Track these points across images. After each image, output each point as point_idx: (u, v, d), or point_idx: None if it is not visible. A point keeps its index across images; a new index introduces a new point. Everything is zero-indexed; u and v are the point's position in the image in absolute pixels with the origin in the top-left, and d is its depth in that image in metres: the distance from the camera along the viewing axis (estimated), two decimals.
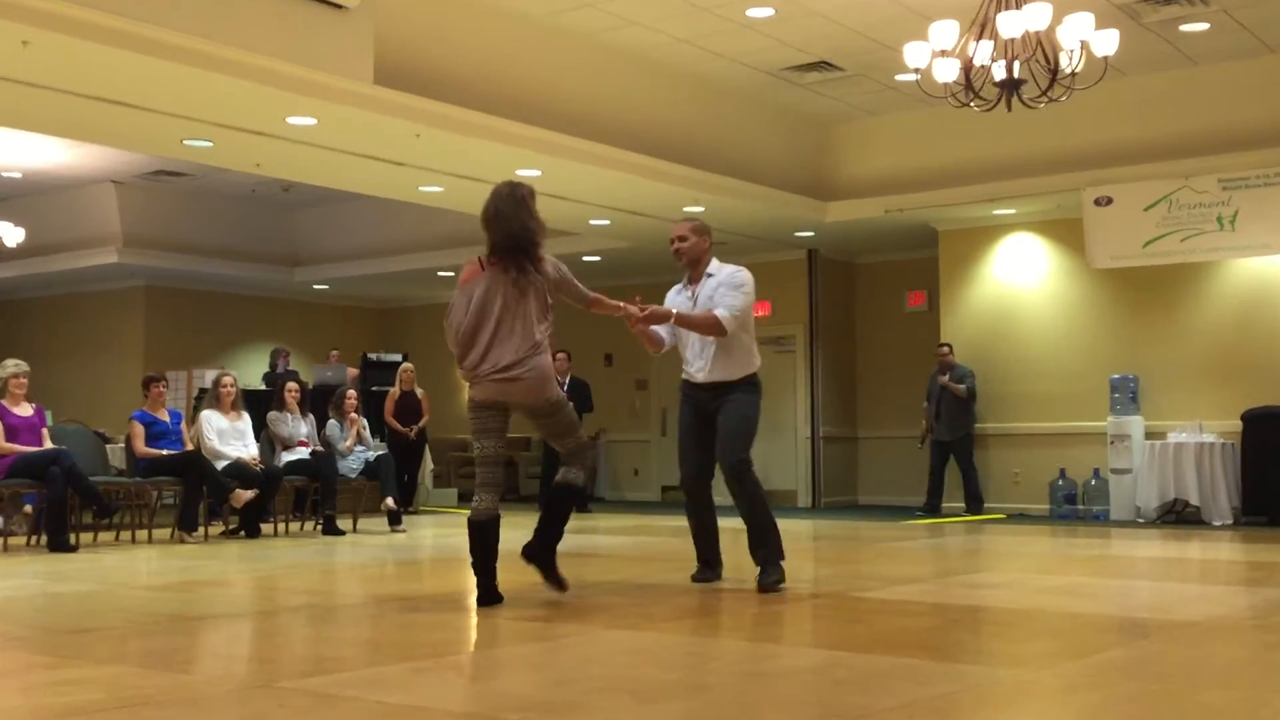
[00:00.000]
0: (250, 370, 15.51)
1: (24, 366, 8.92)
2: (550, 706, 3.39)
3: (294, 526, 10.38)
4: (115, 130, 9.60)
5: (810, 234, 13.50)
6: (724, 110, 11.81)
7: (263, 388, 13.15)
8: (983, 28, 7.66)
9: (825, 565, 7.80)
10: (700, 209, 12.00)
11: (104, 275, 16.17)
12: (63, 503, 8.41)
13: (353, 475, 10.56)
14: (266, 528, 10.00)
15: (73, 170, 14.29)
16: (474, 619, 5.26)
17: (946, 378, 12.36)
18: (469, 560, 5.44)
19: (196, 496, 9.25)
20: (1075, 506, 11.91)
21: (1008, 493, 12.58)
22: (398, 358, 14.28)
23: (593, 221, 12.82)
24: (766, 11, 9.70)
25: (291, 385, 10.51)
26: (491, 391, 5.42)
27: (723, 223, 12.69)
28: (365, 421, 11.02)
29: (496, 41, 9.83)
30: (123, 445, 9.93)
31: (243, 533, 9.65)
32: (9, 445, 8.57)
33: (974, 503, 12.29)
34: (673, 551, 8.54)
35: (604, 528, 10.69)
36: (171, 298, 16.68)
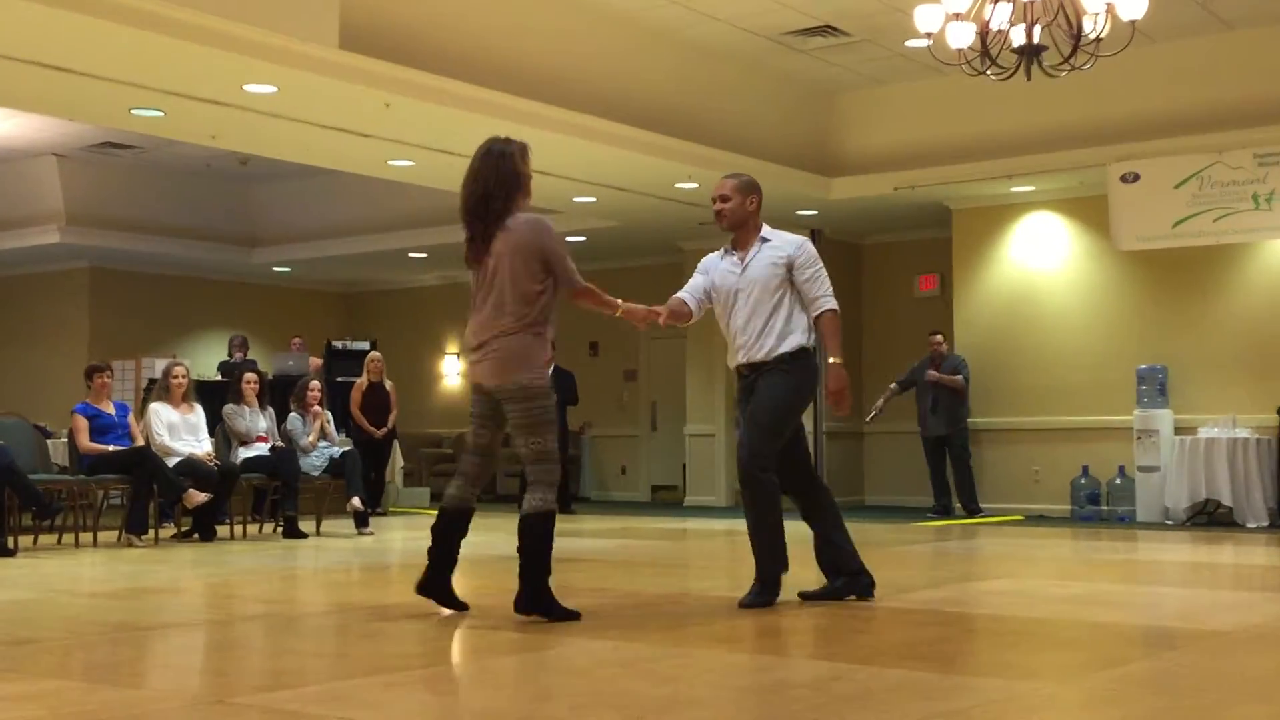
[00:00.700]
0: (204, 360, 15.48)
1: None
2: None
3: (252, 529, 10.36)
4: (57, 99, 9.55)
5: (813, 213, 13.50)
6: (720, 78, 11.79)
7: (218, 378, 13.14)
8: None
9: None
10: (693, 185, 12.00)
11: (45, 256, 16.11)
12: (0, 503, 8.38)
13: (316, 473, 10.55)
14: (222, 530, 9.98)
15: (10, 142, 14.22)
16: (447, 629, 5.26)
17: (938, 371, 12.37)
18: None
19: (146, 496, 9.23)
20: (1099, 507, 11.94)
21: (1026, 492, 12.61)
22: (365, 346, 14.25)
23: (577, 199, 12.81)
24: None
25: (249, 376, 10.48)
26: (470, 373, 5.37)
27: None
28: (330, 415, 11.00)
29: (473, 3, 9.80)
30: (65, 440, 9.90)
31: (196, 535, 9.63)
32: None
33: (970, 503, 12.32)
34: (663, 556, 8.55)
35: (589, 530, 10.70)
36: (118, 280, 16.63)
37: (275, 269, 17.48)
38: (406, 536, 10.53)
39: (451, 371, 18.37)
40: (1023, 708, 3.65)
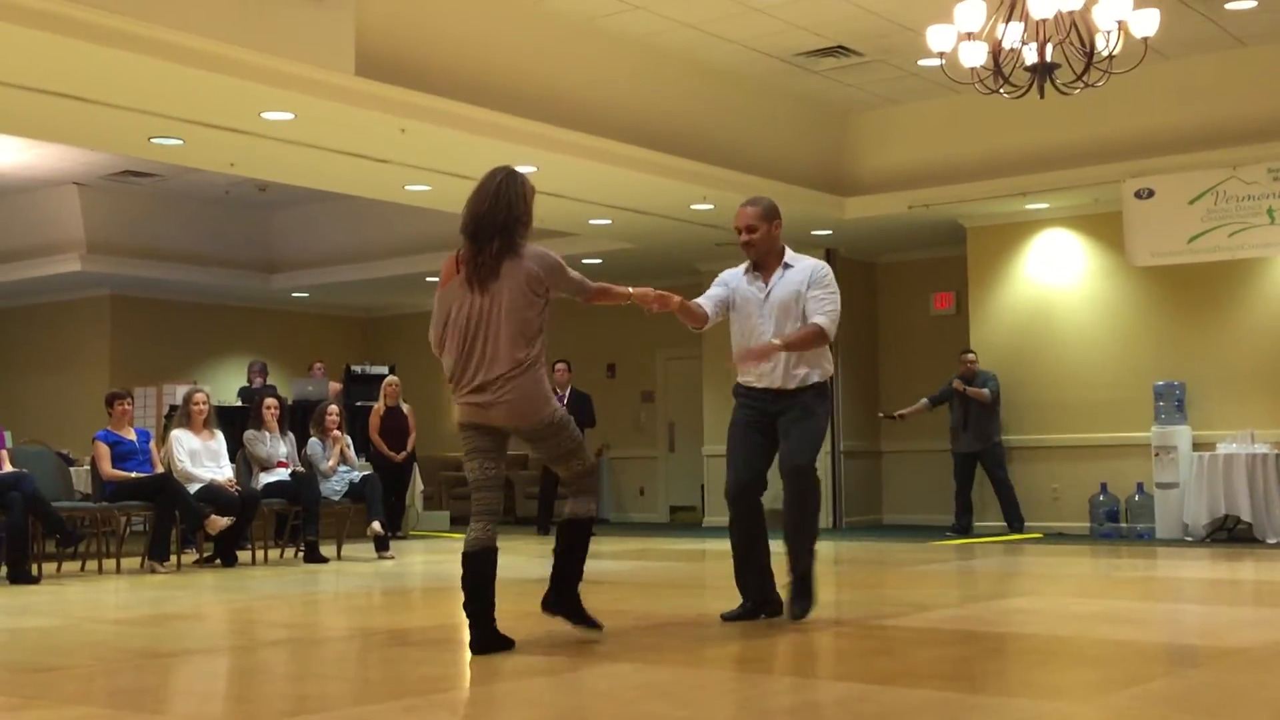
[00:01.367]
0: (224, 386, 15.52)
1: None
2: None
3: (273, 554, 10.37)
4: (78, 128, 9.62)
5: (828, 232, 13.50)
6: (733, 100, 11.81)
7: (238, 404, 13.16)
8: (1012, 8, 7.66)
9: (848, 590, 7.78)
10: (709, 206, 12.01)
11: (66, 284, 16.18)
12: (24, 531, 8.40)
13: (336, 498, 10.55)
14: (244, 555, 9.99)
15: (32, 171, 14.31)
16: (468, 653, 5.25)
17: (956, 383, 12.34)
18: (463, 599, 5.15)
19: (168, 523, 9.25)
20: (1118, 524, 11.88)
21: (1045, 510, 12.55)
22: (384, 370, 14.28)
23: (593, 221, 12.83)
24: None
25: (270, 401, 10.50)
26: (469, 414, 5.19)
27: (733, 221, 12.68)
28: (349, 439, 11.01)
29: (487, 29, 9.84)
30: (88, 468, 9.94)
31: (218, 561, 9.65)
32: None
33: (1015, 520, 12.26)
34: (682, 578, 8.54)
35: (608, 552, 10.68)
36: (139, 308, 16.70)
37: (294, 294, 17.53)
38: (427, 560, 10.54)
39: None
40: None
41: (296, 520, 10.28)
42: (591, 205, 12.06)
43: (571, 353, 14.23)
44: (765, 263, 5.81)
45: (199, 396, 9.97)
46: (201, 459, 9.71)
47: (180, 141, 9.72)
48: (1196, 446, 11.48)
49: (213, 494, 9.45)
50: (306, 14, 8.42)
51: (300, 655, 5.34)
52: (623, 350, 15.87)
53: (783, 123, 12.39)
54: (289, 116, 9.01)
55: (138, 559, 9.45)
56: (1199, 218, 11.17)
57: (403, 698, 4.14)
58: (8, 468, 8.81)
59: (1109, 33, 7.56)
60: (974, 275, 13.16)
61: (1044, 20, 7.52)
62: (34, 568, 8.48)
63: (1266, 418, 11.37)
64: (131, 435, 9.55)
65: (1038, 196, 12.17)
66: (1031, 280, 12.85)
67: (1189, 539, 11.16)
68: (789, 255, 5.84)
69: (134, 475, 9.30)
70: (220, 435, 9.99)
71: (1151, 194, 11.38)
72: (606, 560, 9.87)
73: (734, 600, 5.91)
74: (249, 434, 10.34)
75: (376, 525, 10.34)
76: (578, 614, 5.21)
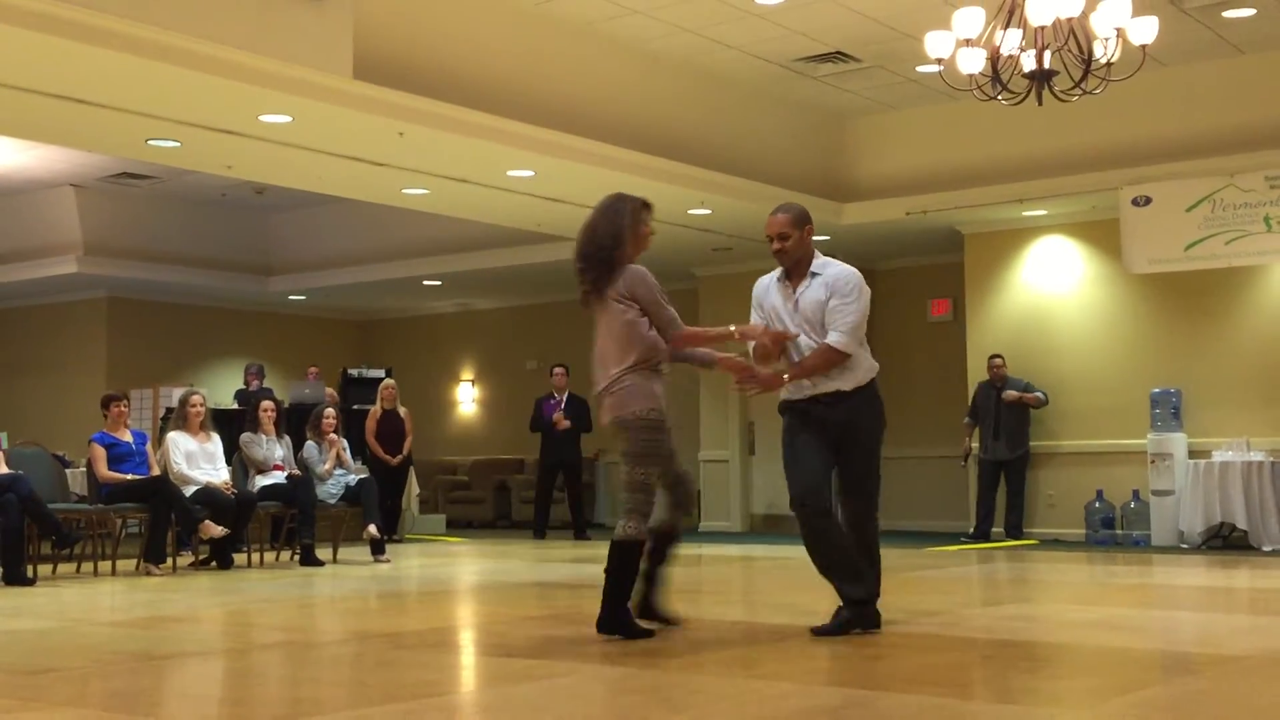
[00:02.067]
0: (221, 388, 15.51)
1: None
2: None
3: (269, 557, 10.36)
4: (75, 130, 9.62)
5: (825, 238, 13.48)
6: (731, 105, 11.82)
7: (234, 407, 13.16)
8: (1010, 14, 7.67)
9: None
10: (706, 211, 12.02)
11: (63, 286, 16.18)
12: (19, 532, 8.39)
13: (332, 501, 10.55)
14: (239, 558, 9.99)
15: (29, 173, 14.30)
16: (464, 657, 5.25)
17: (1008, 393, 12.30)
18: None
19: (164, 525, 9.24)
20: (1113, 531, 11.88)
21: (1041, 517, 12.56)
22: (380, 374, 14.28)
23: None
24: None
25: (267, 404, 10.50)
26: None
27: (730, 226, 12.71)
28: (345, 443, 11.01)
29: (486, 32, 9.85)
30: (84, 469, 9.93)
31: (214, 564, 9.64)
32: None
33: (1015, 529, 12.29)
34: (677, 582, 8.52)
35: (603, 557, 10.65)
36: (136, 310, 16.69)
37: (291, 297, 17.53)
38: (423, 564, 10.53)
39: (466, 398, 18.38)
40: None
41: (292, 523, 10.27)
42: (589, 210, 12.03)
43: (570, 357, 14.22)
44: (795, 269, 5.73)
45: (195, 399, 9.96)
46: (198, 461, 9.70)
47: (177, 144, 9.72)
48: (1192, 454, 11.49)
49: (209, 496, 9.44)
50: (304, 17, 8.42)
51: (296, 659, 5.34)
52: None
53: (781, 128, 12.40)
54: (287, 119, 9.01)
55: (133, 561, 9.44)
56: (1196, 225, 11.18)
57: (399, 702, 4.14)
58: (3, 469, 8.80)
59: (1107, 40, 7.57)
60: (971, 282, 13.17)
61: (1042, 27, 7.53)
62: (29, 569, 8.47)
63: (1262, 425, 11.37)
64: (128, 437, 9.54)
65: (1035, 203, 12.18)
66: (1029, 287, 12.86)
67: (1185, 546, 11.17)
68: (818, 261, 5.74)
69: (130, 477, 9.29)
70: (216, 438, 9.98)
71: (1149, 201, 11.39)
72: (601, 564, 9.85)
73: (732, 604, 5.90)
74: (245, 436, 10.33)
75: (372, 529, 10.33)
76: (631, 630, 5.34)
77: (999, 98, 7.95)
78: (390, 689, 4.40)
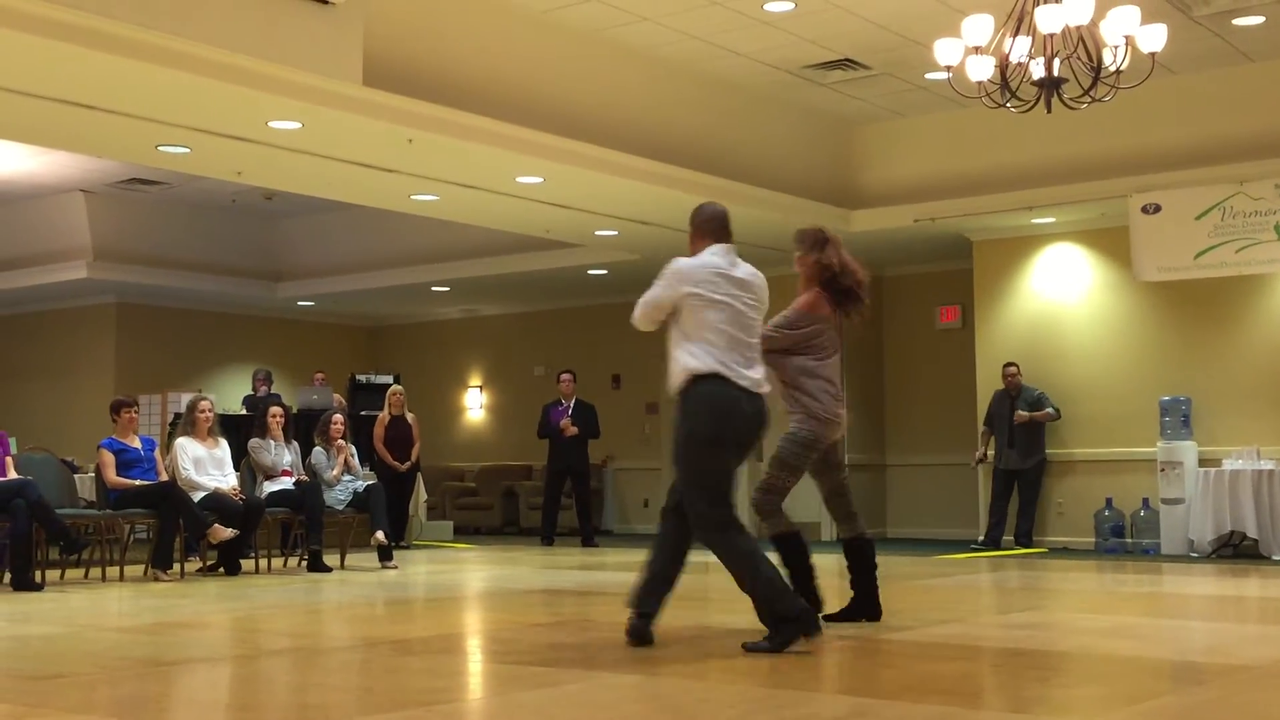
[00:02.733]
0: (229, 394, 15.52)
1: None
2: None
3: (277, 562, 10.37)
4: (84, 136, 9.64)
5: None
6: (740, 112, 11.83)
7: (243, 413, 13.17)
8: (1020, 22, 7.67)
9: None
10: None
11: (72, 291, 16.21)
12: (28, 538, 8.40)
13: (340, 507, 10.55)
14: (247, 564, 9.99)
15: (39, 179, 14.34)
16: (470, 663, 5.25)
17: (1022, 410, 12.26)
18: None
19: (172, 531, 9.24)
20: (1123, 539, 11.86)
21: (1050, 525, 12.53)
22: (388, 380, 14.29)
23: (599, 232, 12.84)
24: (786, 6, 9.73)
25: (275, 410, 10.51)
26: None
27: (739, 232, 12.62)
28: (353, 449, 11.01)
29: (495, 39, 9.86)
30: (92, 475, 9.94)
31: (221, 570, 9.64)
32: None
33: (1025, 537, 12.27)
34: (684, 589, 8.51)
35: (611, 564, 10.67)
36: (145, 315, 16.72)
37: (299, 303, 17.55)
38: (430, 570, 10.53)
39: (474, 405, 18.40)
40: None
41: (300, 529, 10.27)
42: (598, 216, 12.07)
43: (577, 363, 14.23)
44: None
45: (204, 404, 9.97)
46: (206, 467, 9.71)
47: (187, 150, 9.74)
48: (1202, 462, 11.46)
49: (217, 502, 9.45)
50: (314, 23, 8.44)
51: (303, 665, 5.34)
52: (628, 361, 15.86)
53: (789, 135, 12.40)
54: (296, 125, 9.03)
55: (141, 567, 9.44)
56: (1206, 233, 11.16)
57: (406, 708, 4.13)
58: (12, 474, 8.81)
59: (1116, 48, 7.57)
60: (980, 289, 13.16)
61: (1051, 35, 7.53)
62: (38, 575, 8.49)
63: (1272, 434, 11.35)
64: (136, 443, 9.55)
65: (1044, 211, 12.17)
66: (1038, 295, 12.84)
67: (1194, 555, 11.14)
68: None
69: (138, 483, 9.30)
70: (224, 443, 9.99)
71: (1158, 209, 11.38)
72: (610, 571, 9.86)
73: (739, 612, 5.90)
74: (254, 442, 10.34)
75: (380, 535, 10.34)
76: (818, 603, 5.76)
77: (1008, 105, 7.95)
78: (397, 695, 4.40)
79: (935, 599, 7.83)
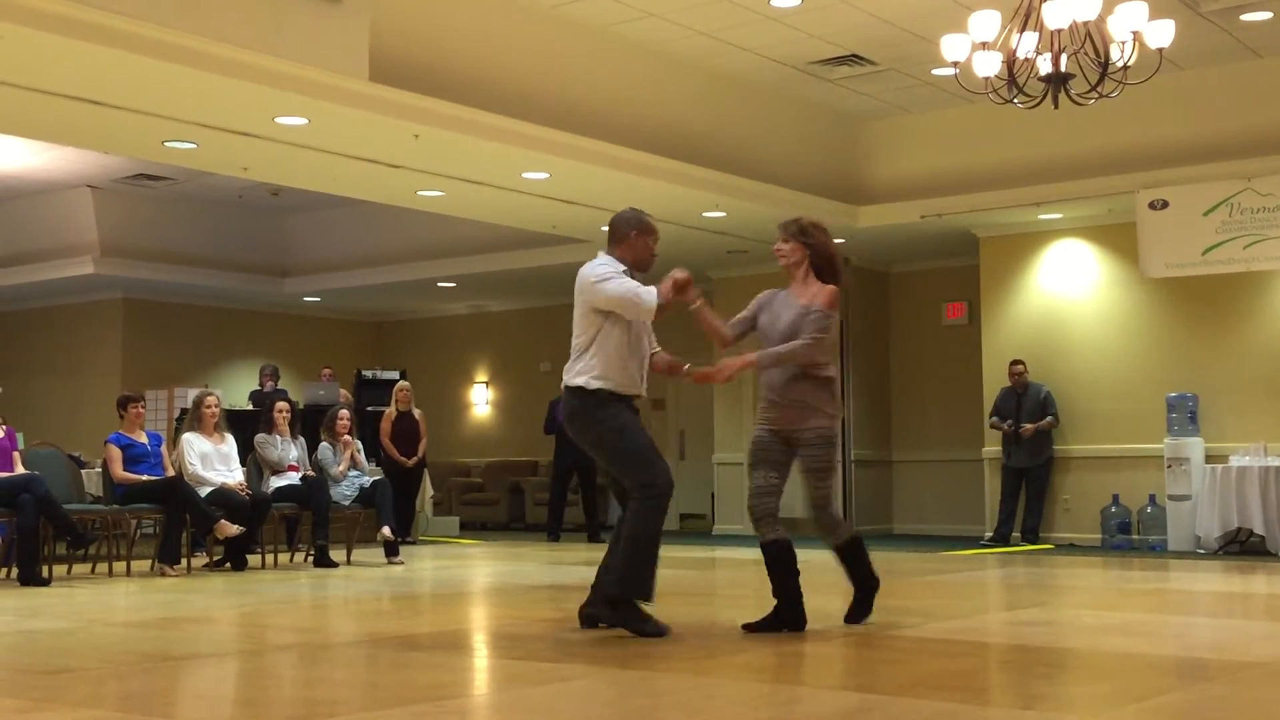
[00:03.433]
0: (235, 389, 15.55)
1: None
2: None
3: (283, 558, 10.39)
4: (92, 131, 9.65)
5: (840, 241, 13.38)
6: (746, 108, 11.82)
7: (249, 408, 13.19)
8: (1027, 18, 7.66)
9: None
10: (721, 214, 12.02)
11: (79, 287, 16.23)
12: (35, 533, 8.43)
13: (346, 502, 10.56)
14: (254, 559, 10.00)
15: (46, 174, 14.36)
16: (477, 659, 5.26)
17: (1027, 419, 12.25)
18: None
19: (178, 526, 9.26)
20: (1129, 536, 11.84)
21: (1056, 522, 12.53)
22: (395, 375, 14.30)
23: (605, 228, 12.78)
24: (792, 1, 9.71)
25: (282, 405, 10.51)
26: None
27: (745, 229, 12.71)
28: (360, 444, 11.03)
29: (501, 35, 9.86)
30: (99, 470, 9.96)
31: (228, 565, 9.66)
32: None
33: (1032, 533, 12.27)
34: (691, 585, 8.53)
35: None
36: (151, 311, 16.74)
37: (306, 299, 17.57)
38: (436, 565, 10.54)
39: (480, 401, 18.41)
40: None
41: (307, 524, 10.28)
42: (604, 212, 12.00)
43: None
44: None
45: (210, 400, 9.99)
46: (212, 462, 9.73)
47: (194, 145, 9.75)
48: (1209, 459, 11.44)
49: (223, 497, 9.47)
50: (321, 19, 8.44)
51: (309, 660, 5.35)
52: None
53: (796, 131, 12.39)
54: (302, 121, 9.03)
55: (148, 562, 9.47)
56: (1214, 229, 11.14)
57: (412, 704, 4.14)
58: (19, 470, 8.84)
59: (1124, 43, 7.55)
60: (987, 285, 13.14)
61: (1059, 30, 7.51)
62: (45, 570, 8.51)
63: (1279, 430, 11.33)
64: (143, 438, 9.57)
65: (1051, 207, 12.15)
66: (1044, 291, 12.83)
67: (1201, 552, 11.13)
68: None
69: (145, 478, 9.31)
70: (231, 439, 10.00)
71: (1166, 205, 11.36)
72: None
73: (746, 608, 5.90)
74: (260, 438, 10.35)
75: (386, 530, 10.35)
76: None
77: (1015, 101, 7.93)
78: (404, 691, 4.41)
79: (942, 595, 7.82)
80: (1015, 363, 12.49)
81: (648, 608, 5.51)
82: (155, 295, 16.58)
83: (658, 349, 5.92)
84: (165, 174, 14.16)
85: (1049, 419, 12.27)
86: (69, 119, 9.04)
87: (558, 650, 5.16)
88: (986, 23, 7.77)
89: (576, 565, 10.19)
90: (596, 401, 5.59)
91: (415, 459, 12.65)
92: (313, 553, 10.08)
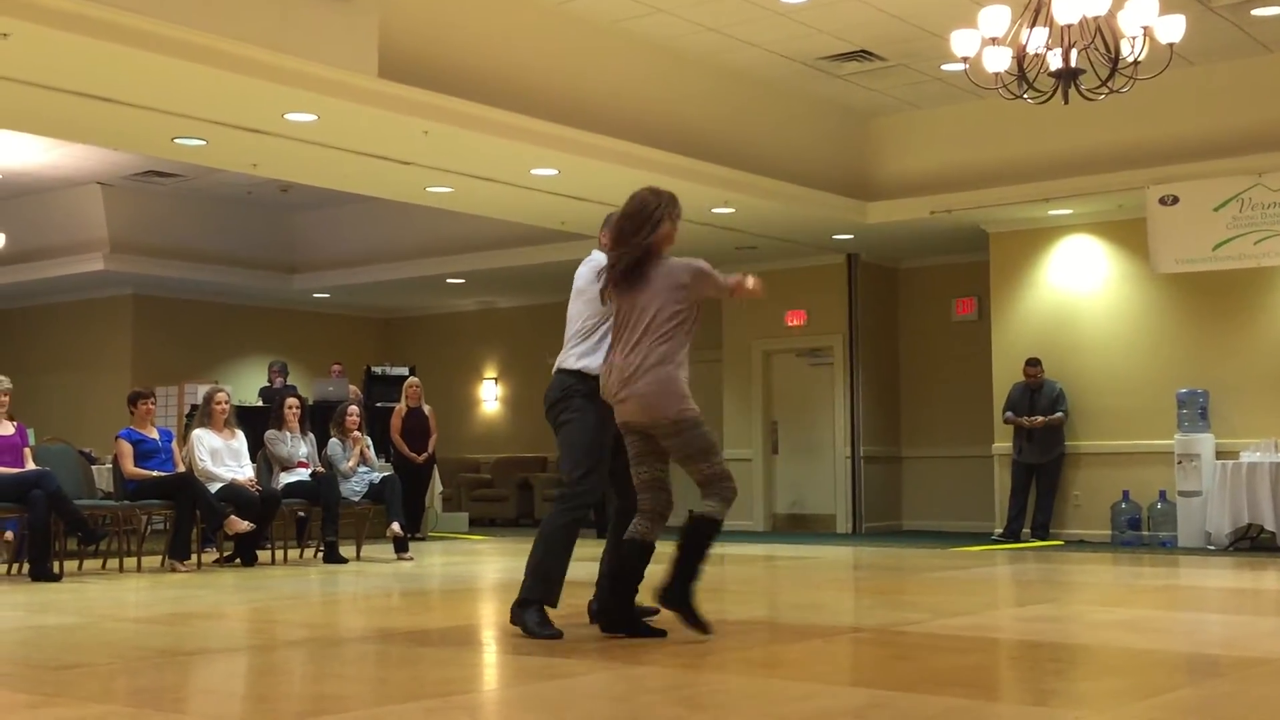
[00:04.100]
0: (245, 385, 15.58)
1: (5, 382, 8.98)
2: None
3: (293, 554, 10.40)
4: (102, 128, 9.67)
5: (849, 237, 13.48)
6: (755, 104, 11.81)
7: (259, 404, 13.21)
8: (1037, 13, 7.64)
9: (866, 596, 7.76)
10: (730, 210, 12.01)
11: (90, 283, 16.27)
12: (46, 528, 8.45)
13: (356, 498, 10.57)
14: (264, 555, 10.02)
15: (56, 171, 14.39)
16: (486, 655, 5.26)
17: (1040, 411, 12.24)
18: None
19: (189, 522, 9.28)
20: (1139, 532, 11.83)
21: (1066, 518, 12.51)
22: (404, 371, 14.32)
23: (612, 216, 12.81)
24: None
25: (292, 401, 10.53)
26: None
27: (755, 225, 12.70)
28: (369, 440, 11.04)
29: (510, 31, 9.86)
30: (110, 466, 9.99)
31: (238, 561, 9.68)
32: None
33: (1042, 529, 12.26)
34: (702, 582, 8.52)
35: None
36: (161, 307, 16.78)
37: (315, 295, 17.59)
38: (446, 561, 10.55)
39: (490, 397, 18.42)
40: None
41: (317, 520, 10.29)
42: (612, 208, 12.01)
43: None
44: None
45: (221, 396, 10.00)
46: (222, 458, 9.74)
47: (203, 142, 9.76)
48: (1219, 455, 11.42)
49: (233, 493, 9.49)
50: (330, 16, 8.45)
51: (319, 655, 5.36)
52: None
53: (805, 127, 12.38)
54: (312, 118, 9.04)
55: (158, 558, 9.49)
56: (1224, 225, 11.12)
57: (422, 699, 4.15)
58: (30, 465, 8.86)
59: (1134, 38, 7.53)
60: (996, 281, 13.13)
61: (1069, 25, 7.50)
62: (56, 565, 8.53)
63: None
64: (153, 434, 9.59)
65: (1061, 202, 12.13)
66: (1054, 286, 12.81)
67: (1211, 548, 11.11)
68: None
69: (155, 474, 9.34)
70: (241, 435, 10.02)
71: (1176, 200, 11.33)
72: None
73: (755, 604, 5.90)
74: (270, 434, 10.37)
75: (396, 526, 10.36)
76: (688, 613, 5.31)
77: (1025, 96, 7.91)
78: (413, 686, 4.41)
79: (951, 591, 7.82)
80: (1031, 362, 12.44)
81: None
82: (165, 291, 16.62)
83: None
84: (175, 170, 14.19)
85: (1059, 414, 12.25)
86: (79, 116, 9.06)
87: (566, 646, 5.17)
88: (996, 18, 7.75)
89: (585, 561, 10.19)
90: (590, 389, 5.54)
91: (425, 455, 12.66)
92: (322, 549, 10.09)
